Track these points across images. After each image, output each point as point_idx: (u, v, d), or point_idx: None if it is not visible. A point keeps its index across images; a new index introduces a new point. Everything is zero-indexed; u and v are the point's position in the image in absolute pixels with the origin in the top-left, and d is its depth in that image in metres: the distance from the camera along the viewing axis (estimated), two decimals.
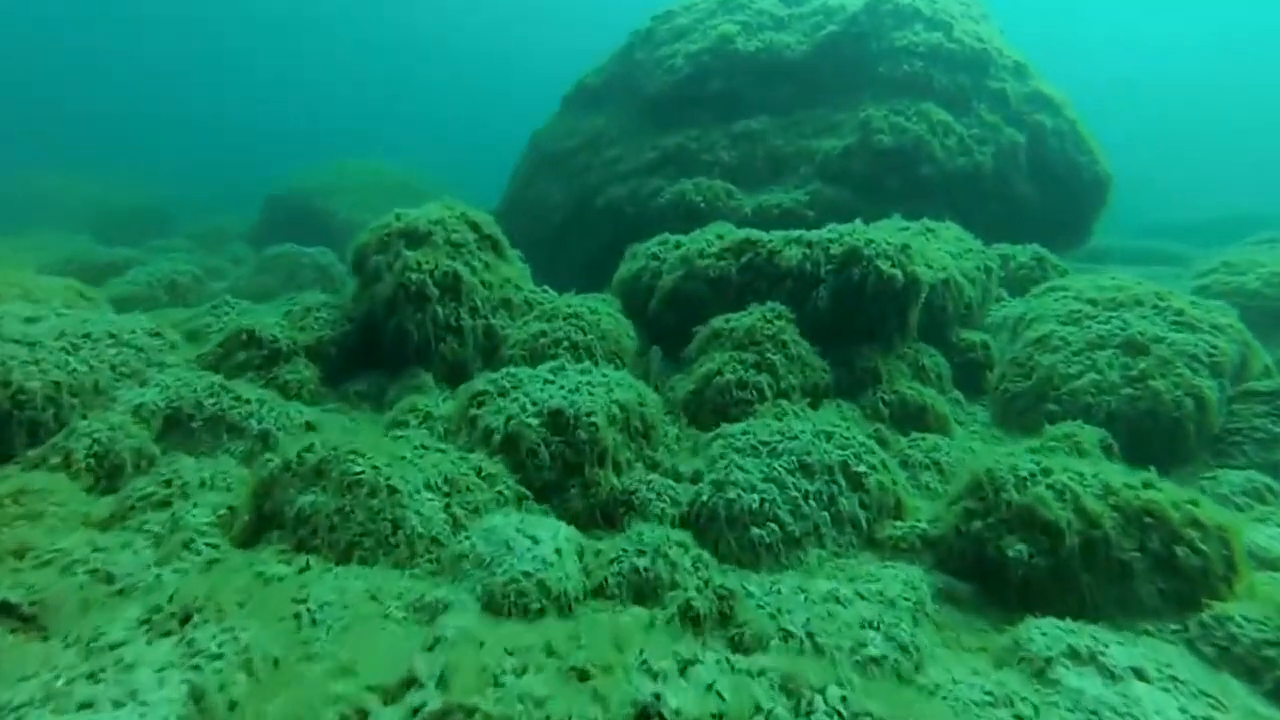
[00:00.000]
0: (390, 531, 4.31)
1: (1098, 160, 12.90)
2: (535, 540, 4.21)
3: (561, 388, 5.78)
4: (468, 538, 4.30)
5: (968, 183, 12.39)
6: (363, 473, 4.47)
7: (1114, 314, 7.50)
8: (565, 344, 7.13)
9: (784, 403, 6.68)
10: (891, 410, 6.89)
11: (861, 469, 5.47)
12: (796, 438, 5.66)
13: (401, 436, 5.26)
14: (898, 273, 7.14)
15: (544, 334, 7.23)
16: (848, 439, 5.74)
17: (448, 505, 4.66)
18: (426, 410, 5.92)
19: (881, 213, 12.27)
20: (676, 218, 12.63)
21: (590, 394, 5.66)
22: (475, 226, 8.12)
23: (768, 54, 13.75)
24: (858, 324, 7.40)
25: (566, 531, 4.44)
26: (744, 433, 5.84)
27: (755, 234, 7.90)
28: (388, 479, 4.50)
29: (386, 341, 7.18)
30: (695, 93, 14.01)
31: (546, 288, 8.53)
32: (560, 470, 5.33)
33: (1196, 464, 6.54)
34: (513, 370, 6.04)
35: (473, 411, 5.69)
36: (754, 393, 6.68)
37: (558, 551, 4.18)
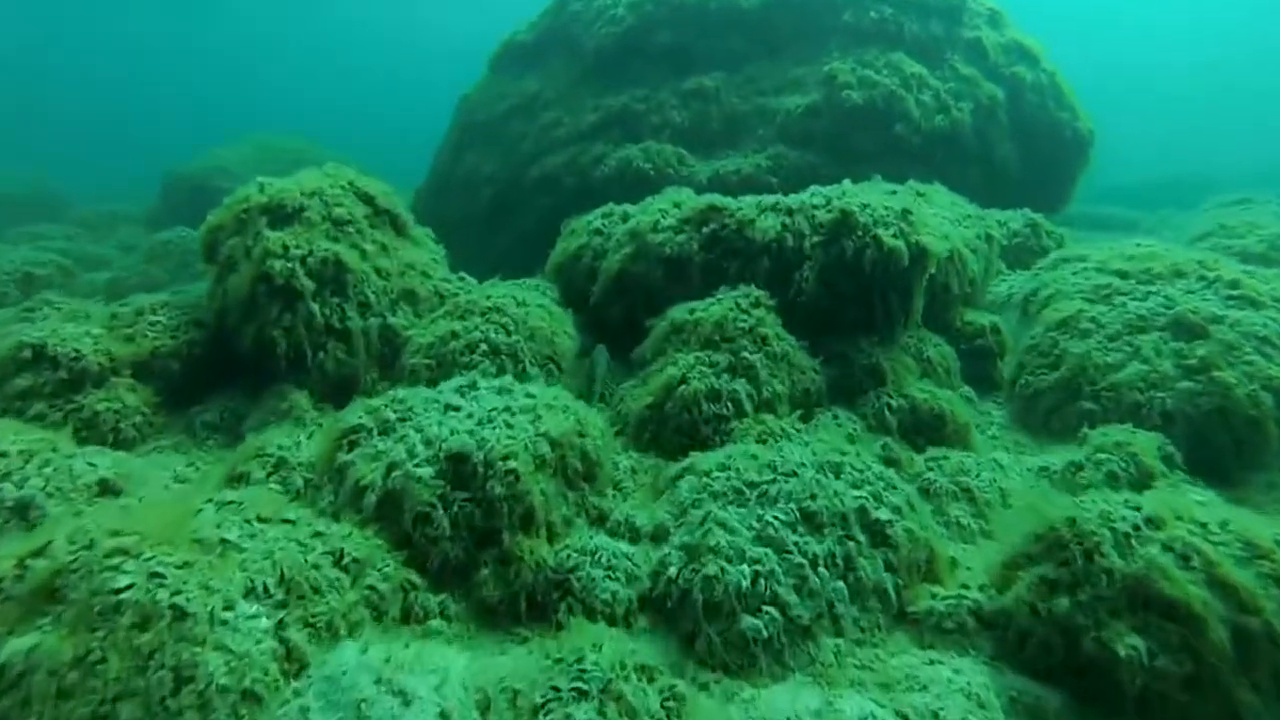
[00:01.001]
0: (170, 690, 2.58)
1: (1078, 117, 11.59)
2: (406, 699, 2.53)
3: (470, 416, 4.08)
4: (297, 696, 2.60)
5: (946, 143, 10.93)
6: (127, 588, 2.72)
7: (1151, 288, 6.10)
8: (483, 348, 5.39)
9: (769, 418, 5.09)
10: (901, 419, 5.36)
11: (883, 515, 3.92)
12: (794, 474, 4.08)
13: (230, 503, 3.49)
14: (901, 244, 5.59)
15: (455, 335, 5.47)
16: (861, 472, 4.19)
17: (281, 625, 2.93)
18: (280, 456, 4.13)
19: (853, 178, 10.80)
20: (622, 188, 10.88)
21: (509, 426, 3.98)
22: (367, 198, 6.27)
23: (720, 1, 12.02)
24: (851, 310, 5.84)
25: (462, 671, 2.77)
26: (722, 468, 4.24)
27: (721, 200, 6.25)
28: (175, 594, 2.75)
29: (244, 352, 5.34)
30: (640, 46, 12.21)
31: (464, 275, 6.75)
32: (466, 543, 3.64)
33: (1274, 472, 5.20)
34: (401, 395, 4.30)
35: (341, 457, 3.94)
36: (730, 406, 5.07)
37: (443, 717, 2.51)
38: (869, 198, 5.96)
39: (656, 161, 11.12)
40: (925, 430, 5.33)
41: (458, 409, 4.17)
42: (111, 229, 16.69)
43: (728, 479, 4.14)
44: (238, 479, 3.99)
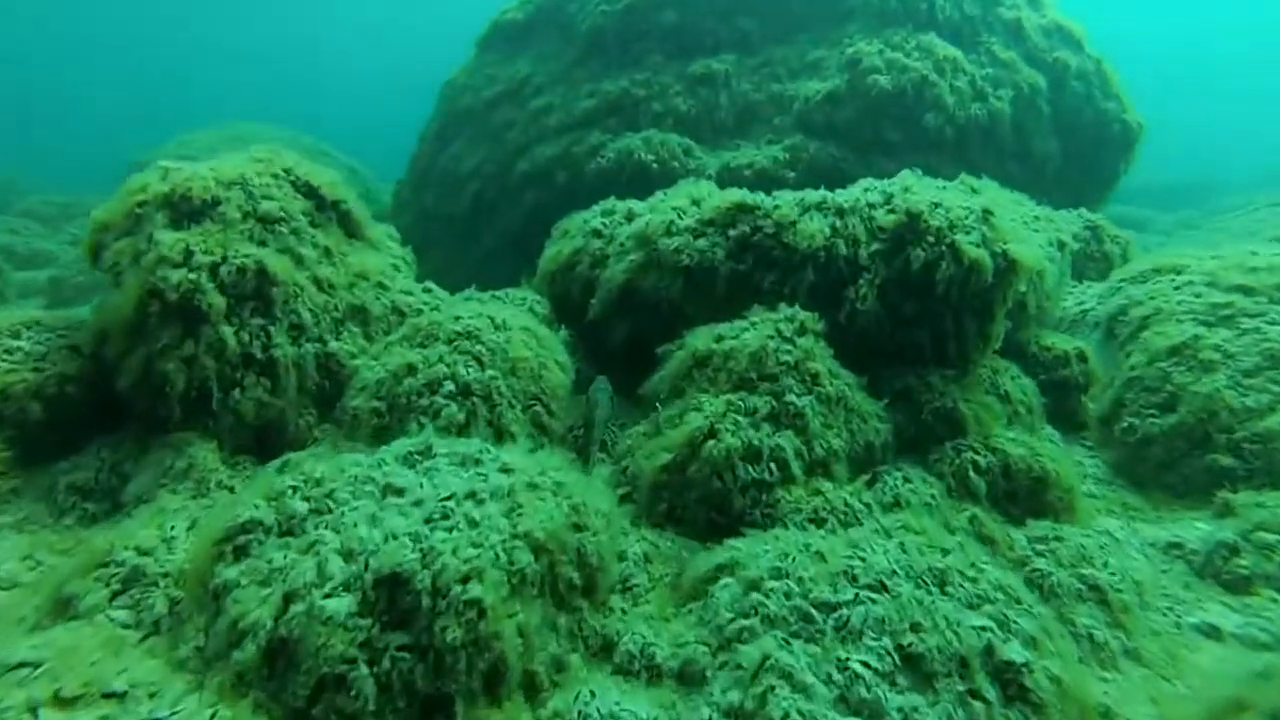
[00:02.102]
0: None
1: (1126, 108, 10.33)
2: None
3: (417, 507, 2.76)
4: None
5: (983, 135, 9.64)
6: None
7: None
8: (448, 388, 4.06)
9: (825, 486, 3.79)
10: (990, 482, 4.06)
11: (1014, 654, 2.64)
12: (882, 587, 2.80)
13: (22, 669, 2.17)
14: (984, 255, 4.30)
15: (413, 370, 4.14)
16: (974, 581, 2.91)
17: None
18: (134, 565, 2.78)
19: (878, 173, 9.55)
20: (621, 183, 9.57)
21: (474, 525, 2.66)
22: (309, 190, 4.91)
23: None
24: (918, 337, 4.55)
25: None
26: (777, 573, 2.94)
27: (752, 197, 4.93)
28: None
29: (128, 390, 3.99)
30: (642, 25, 10.85)
31: (431, 286, 5.40)
32: (403, 718, 2.34)
33: None
34: (320, 473, 2.97)
35: (220, 574, 2.62)
36: (773, 469, 3.77)
37: None
38: (939, 195, 4.66)
39: (659, 153, 9.79)
40: (1022, 497, 4.04)
41: (400, 493, 2.85)
42: (67, 221, 15.22)
43: (787, 593, 2.84)
44: (65, 605, 2.65)
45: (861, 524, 3.54)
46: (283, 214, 4.61)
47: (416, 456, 3.16)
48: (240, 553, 2.65)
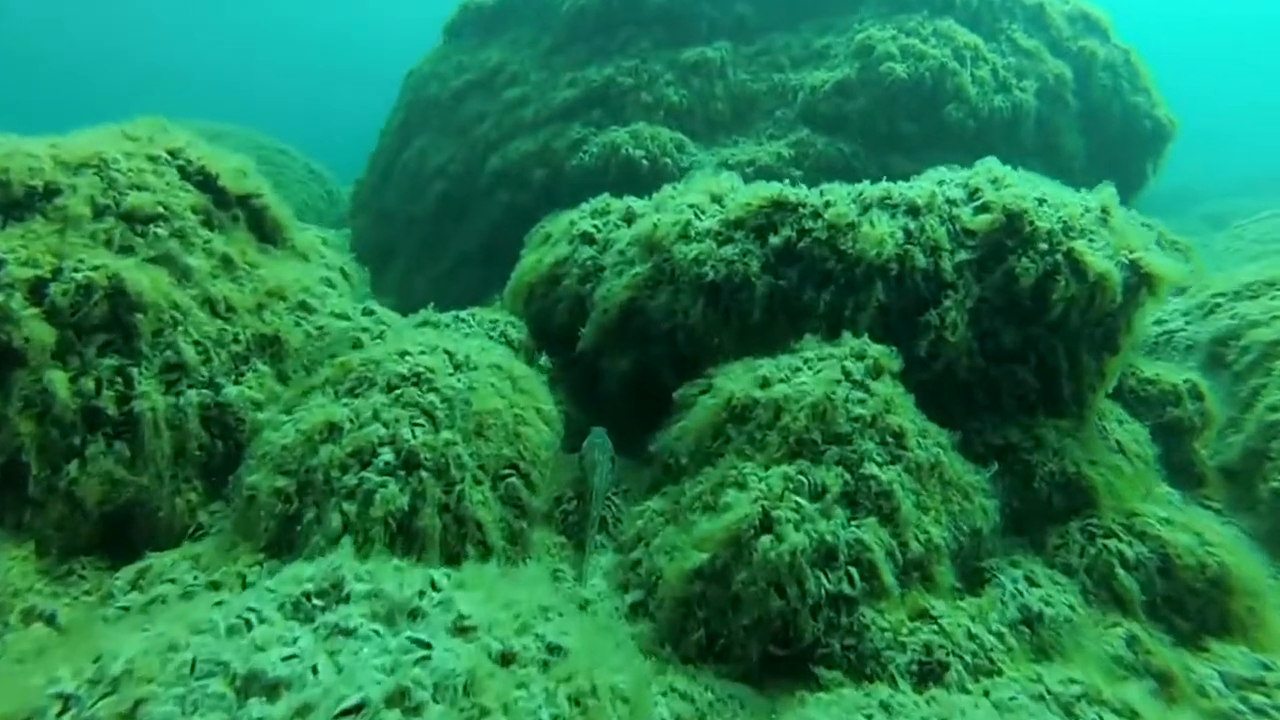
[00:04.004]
0: None
1: (1157, 103, 9.37)
2: None
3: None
4: None
5: (1006, 130, 8.59)
6: None
7: None
8: (386, 459, 2.78)
9: (934, 603, 2.60)
10: (1143, 583, 2.89)
11: None
12: None
13: None
14: (1111, 267, 3.15)
15: (335, 432, 2.86)
16: None
17: None
18: None
19: (893, 171, 8.44)
20: (606, 182, 8.34)
21: None
22: (204, 181, 3.60)
23: None
24: (1020, 374, 3.38)
25: None
26: None
27: (794, 192, 3.73)
28: None
29: None
30: (629, 9, 9.65)
31: (373, 307, 4.09)
32: None
33: None
34: (121, 666, 1.68)
35: None
36: (856, 576, 2.57)
37: None
38: (1041, 187, 3.50)
39: (649, 148, 8.57)
40: (1194, 607, 2.88)
41: (271, 693, 1.59)
42: None
43: None
44: None
45: (1000, 672, 2.34)
46: (161, 210, 3.30)
47: (314, 602, 1.89)
48: None
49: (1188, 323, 4.96)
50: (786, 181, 7.98)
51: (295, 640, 1.74)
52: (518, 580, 2.18)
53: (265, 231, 3.89)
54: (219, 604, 1.86)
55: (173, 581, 2.55)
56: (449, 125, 10.64)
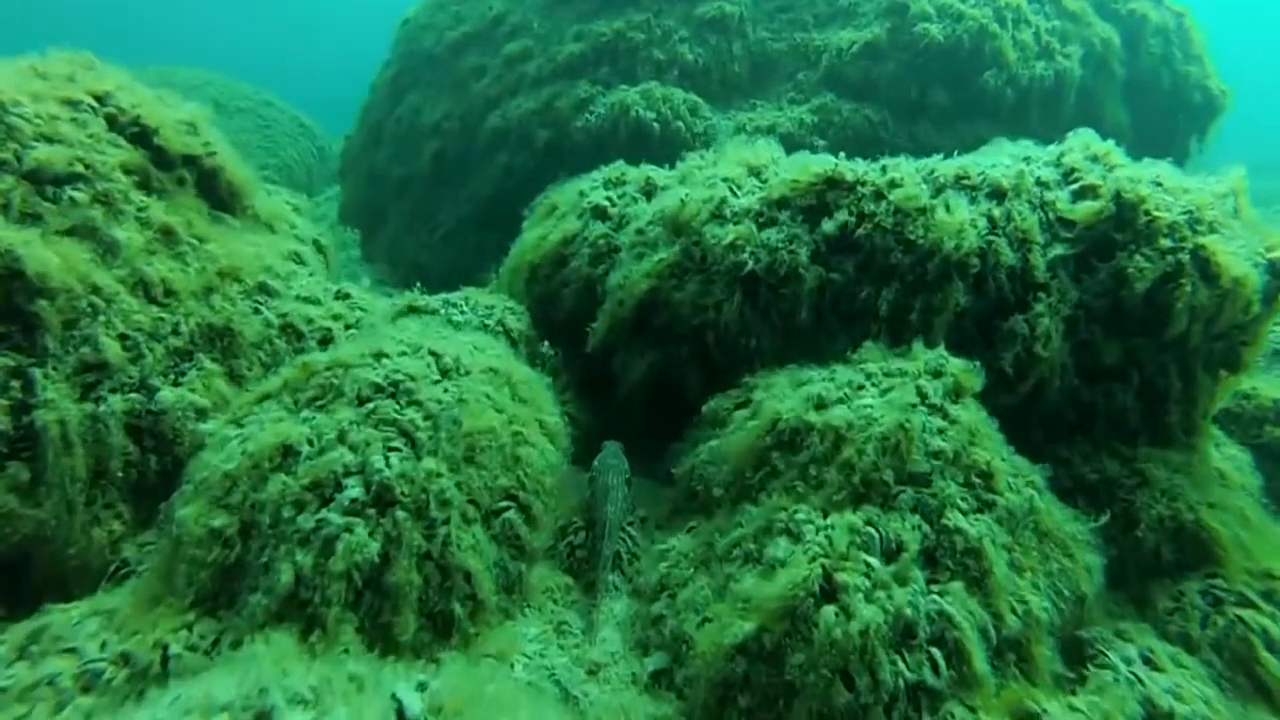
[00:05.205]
0: None
1: (1209, 74, 8.64)
2: None
3: None
4: None
5: (1046, 100, 7.87)
6: None
7: None
8: (354, 492, 2.20)
9: (1032, 693, 2.06)
10: None
11: None
12: None
13: None
14: (1249, 270, 2.55)
15: (289, 456, 2.27)
16: None
17: None
18: None
19: (922, 142, 7.83)
20: (616, 146, 7.67)
21: None
22: (140, 133, 2.94)
23: None
24: (1119, 397, 2.79)
25: None
26: None
27: (851, 166, 3.09)
28: None
29: None
30: None
31: (349, 289, 3.45)
32: None
33: None
34: None
35: None
36: (936, 661, 2.02)
37: None
38: (1156, 169, 2.87)
39: (661, 110, 7.82)
40: None
41: None
42: None
43: None
44: None
45: None
46: (80, 169, 2.64)
47: None
48: None
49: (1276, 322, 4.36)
50: (815, 148, 7.34)
51: None
52: (517, 700, 1.61)
53: (219, 197, 3.23)
54: None
55: (71, 652, 1.97)
56: (445, 80, 9.84)
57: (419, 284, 3.87)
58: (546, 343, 3.81)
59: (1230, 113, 9.10)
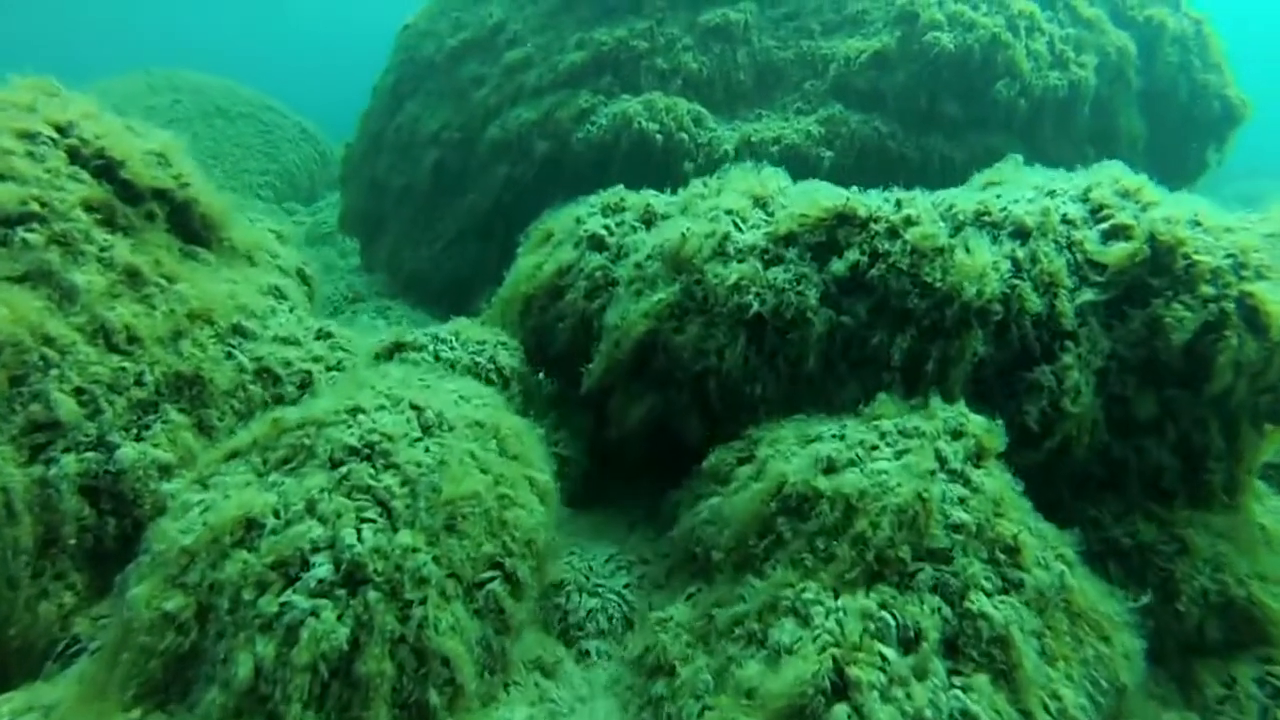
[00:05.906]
0: None
1: (1228, 82, 8.37)
2: None
3: None
4: None
5: (1060, 111, 7.64)
6: None
7: None
8: (322, 572, 2.00)
9: None
10: None
11: None
12: None
13: None
14: None
15: (253, 531, 2.07)
16: None
17: None
18: None
19: (931, 154, 7.63)
20: (618, 158, 7.49)
21: None
22: (104, 166, 2.74)
23: None
24: (1154, 454, 2.57)
25: None
26: None
27: (863, 200, 2.88)
28: None
29: None
30: None
31: (331, 329, 3.25)
32: None
33: None
34: None
35: None
36: None
37: None
38: (1194, 205, 2.65)
39: (664, 121, 7.61)
40: None
41: None
42: None
43: None
44: None
45: None
46: (36, 208, 2.45)
47: None
48: None
49: None
50: (822, 160, 7.12)
51: None
52: None
53: (193, 230, 3.04)
54: None
55: None
56: (445, 88, 9.65)
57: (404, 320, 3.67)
58: (542, 374, 3.63)
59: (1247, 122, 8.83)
